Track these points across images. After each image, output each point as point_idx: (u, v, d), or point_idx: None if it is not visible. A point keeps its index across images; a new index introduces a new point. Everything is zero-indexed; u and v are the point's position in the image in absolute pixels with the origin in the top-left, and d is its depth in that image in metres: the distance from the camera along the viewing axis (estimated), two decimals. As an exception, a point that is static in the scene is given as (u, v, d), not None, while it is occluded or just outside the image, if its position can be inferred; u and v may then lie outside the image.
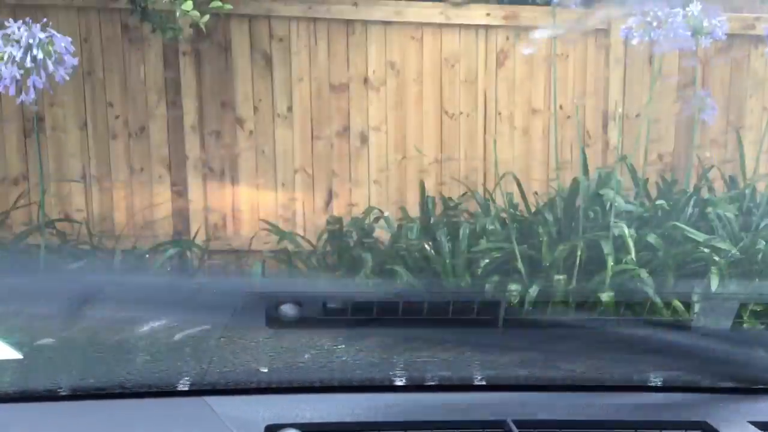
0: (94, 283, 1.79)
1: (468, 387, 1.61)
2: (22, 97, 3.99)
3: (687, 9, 4.57)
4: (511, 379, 1.62)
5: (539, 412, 1.53)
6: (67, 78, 4.11)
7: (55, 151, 5.28)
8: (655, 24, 4.46)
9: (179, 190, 5.39)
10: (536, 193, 5.28)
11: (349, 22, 5.38)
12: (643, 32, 4.52)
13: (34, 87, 3.97)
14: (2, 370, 1.52)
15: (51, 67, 3.99)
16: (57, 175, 5.28)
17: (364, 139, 5.48)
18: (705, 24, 4.67)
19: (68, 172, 5.31)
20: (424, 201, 5.20)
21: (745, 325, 1.69)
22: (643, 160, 5.14)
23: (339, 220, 5.12)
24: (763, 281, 4.11)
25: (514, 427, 1.44)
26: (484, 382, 1.61)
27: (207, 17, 4.46)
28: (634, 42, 4.60)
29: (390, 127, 5.50)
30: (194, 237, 5.19)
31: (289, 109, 5.41)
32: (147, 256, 4.84)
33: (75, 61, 4.10)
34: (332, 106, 5.44)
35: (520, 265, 4.21)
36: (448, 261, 4.33)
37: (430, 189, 5.36)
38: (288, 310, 1.50)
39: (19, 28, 3.93)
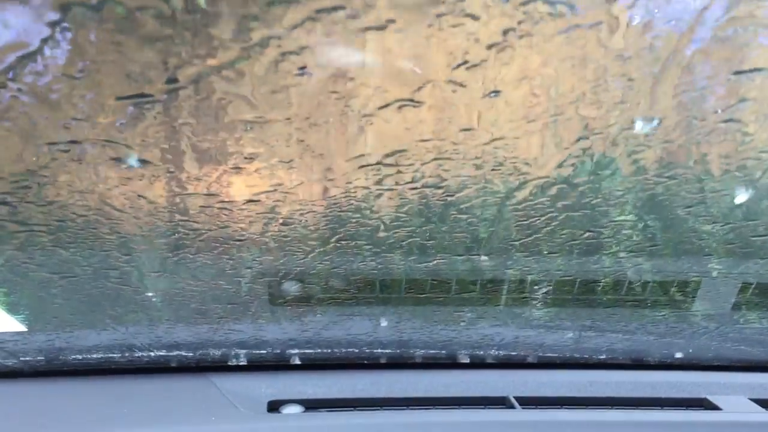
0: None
1: (471, 365, 1.62)
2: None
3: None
4: (513, 357, 1.63)
5: (541, 389, 1.53)
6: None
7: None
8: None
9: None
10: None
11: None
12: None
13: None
14: (7, 344, 1.52)
15: None
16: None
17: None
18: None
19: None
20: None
21: (744, 305, 1.70)
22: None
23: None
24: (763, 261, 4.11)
25: (516, 403, 1.45)
26: (486, 360, 1.62)
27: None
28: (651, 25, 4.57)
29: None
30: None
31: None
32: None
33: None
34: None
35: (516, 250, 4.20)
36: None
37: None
38: (290, 287, 1.50)
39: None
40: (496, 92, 1.25)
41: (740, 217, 1.83)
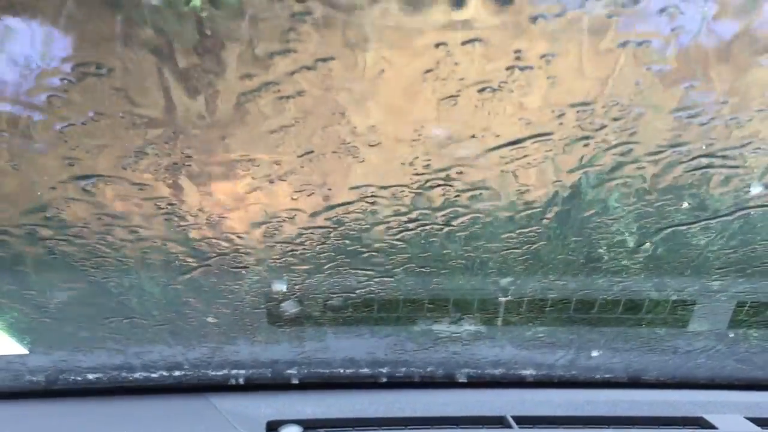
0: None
1: (468, 384, 1.62)
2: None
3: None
4: (511, 376, 1.63)
5: (538, 408, 1.54)
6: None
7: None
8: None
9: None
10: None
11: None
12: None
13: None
14: (5, 365, 1.53)
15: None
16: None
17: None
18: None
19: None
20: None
21: (741, 323, 1.70)
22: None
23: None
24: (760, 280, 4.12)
25: (513, 422, 1.45)
26: (484, 380, 1.63)
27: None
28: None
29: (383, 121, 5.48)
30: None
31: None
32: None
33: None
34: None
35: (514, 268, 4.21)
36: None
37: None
38: (289, 308, 1.51)
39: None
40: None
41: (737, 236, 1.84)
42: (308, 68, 1.10)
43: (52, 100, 1.11)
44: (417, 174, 1.32)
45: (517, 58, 1.19)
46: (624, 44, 1.25)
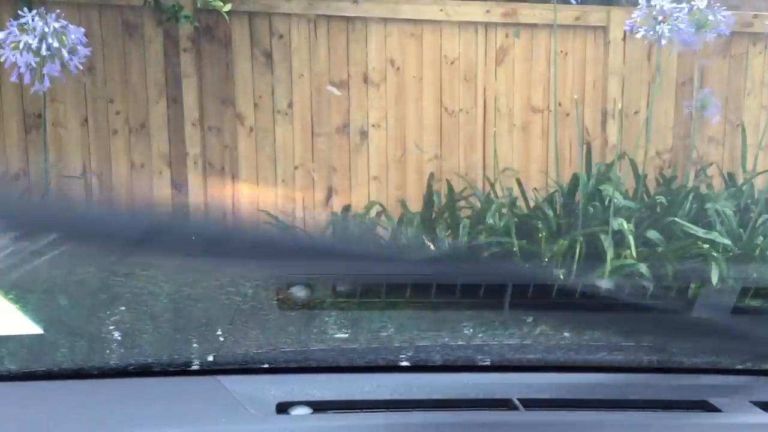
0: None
1: (475, 367, 1.64)
2: (36, 86, 4.04)
3: (692, 2, 4.58)
4: (517, 360, 1.66)
5: (543, 391, 1.56)
6: (80, 67, 4.16)
7: (54, 148, 5.29)
8: (660, 18, 4.49)
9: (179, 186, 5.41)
10: (536, 189, 5.31)
11: (349, 19, 5.41)
12: (647, 27, 4.55)
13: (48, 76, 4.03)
14: (19, 347, 1.55)
15: (66, 56, 4.03)
16: (56, 171, 5.29)
17: (364, 135, 5.51)
18: (710, 18, 4.66)
19: (68, 168, 5.32)
20: (429, 194, 5.21)
21: (745, 308, 1.72)
22: (643, 156, 5.18)
23: (340, 215, 5.16)
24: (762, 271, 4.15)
25: (519, 405, 1.47)
26: (490, 363, 1.65)
27: (229, 6, 4.58)
28: (639, 35, 4.63)
29: (390, 124, 5.53)
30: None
31: (290, 105, 5.44)
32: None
33: (87, 51, 4.15)
34: (332, 103, 5.47)
35: (519, 258, 4.25)
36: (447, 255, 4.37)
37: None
38: (298, 291, 1.53)
39: (33, 18, 3.97)
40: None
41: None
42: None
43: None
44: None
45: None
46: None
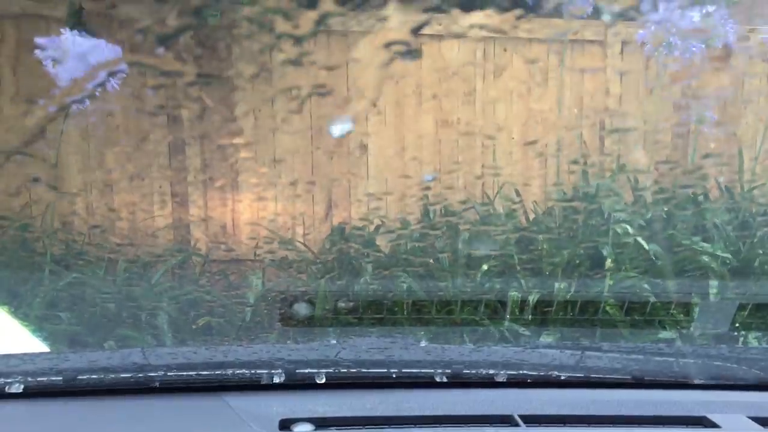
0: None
1: (476, 384, 1.66)
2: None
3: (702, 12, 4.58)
4: (518, 376, 1.67)
5: (544, 408, 1.57)
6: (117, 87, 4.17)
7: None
8: (673, 30, 4.49)
9: (180, 200, 5.41)
10: (535, 202, 5.32)
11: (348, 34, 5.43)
12: (656, 38, 4.55)
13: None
14: (23, 365, 1.56)
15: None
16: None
17: (363, 150, 5.52)
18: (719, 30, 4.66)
19: (68, 183, 5.32)
20: (427, 207, 5.22)
21: (743, 325, 1.74)
22: (642, 169, 5.18)
23: (341, 229, 5.16)
24: (761, 283, 4.16)
25: (520, 421, 1.48)
26: (491, 379, 1.66)
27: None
28: (647, 47, 4.64)
29: (389, 139, 5.54)
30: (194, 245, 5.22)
31: (286, 120, 5.45)
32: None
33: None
34: (332, 117, 5.48)
35: (519, 271, 4.25)
36: (446, 267, 4.37)
37: (430, 199, 5.40)
38: (301, 309, 1.55)
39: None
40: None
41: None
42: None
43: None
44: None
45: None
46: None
